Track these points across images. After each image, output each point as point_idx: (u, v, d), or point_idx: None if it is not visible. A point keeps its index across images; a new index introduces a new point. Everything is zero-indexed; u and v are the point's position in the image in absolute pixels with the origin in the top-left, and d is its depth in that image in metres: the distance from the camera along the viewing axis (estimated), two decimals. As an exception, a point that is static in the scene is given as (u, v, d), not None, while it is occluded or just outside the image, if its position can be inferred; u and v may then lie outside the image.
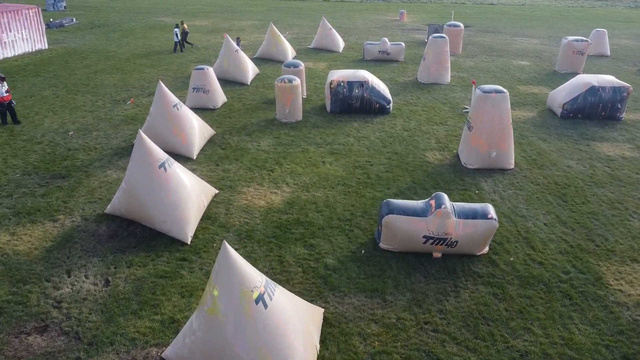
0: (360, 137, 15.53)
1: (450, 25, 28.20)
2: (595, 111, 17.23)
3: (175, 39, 27.34)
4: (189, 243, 9.58)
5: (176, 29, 27.25)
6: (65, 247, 9.36)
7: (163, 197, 9.55)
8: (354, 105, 17.59)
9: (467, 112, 17.80)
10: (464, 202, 11.41)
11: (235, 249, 9.34)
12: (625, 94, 16.97)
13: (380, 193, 11.85)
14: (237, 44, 24.59)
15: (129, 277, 8.60)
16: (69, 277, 8.56)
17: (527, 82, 22.55)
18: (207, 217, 10.61)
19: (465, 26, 39.21)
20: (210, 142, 14.78)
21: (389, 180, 12.56)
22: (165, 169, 9.75)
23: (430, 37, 21.67)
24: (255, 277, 6.27)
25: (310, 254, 9.48)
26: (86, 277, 8.58)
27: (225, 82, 21.22)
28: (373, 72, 22.98)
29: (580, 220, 10.81)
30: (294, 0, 56.54)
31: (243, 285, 6.07)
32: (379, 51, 26.28)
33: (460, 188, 12.20)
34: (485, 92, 12.82)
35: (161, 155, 9.89)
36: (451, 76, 23.10)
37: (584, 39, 23.75)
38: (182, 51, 27.70)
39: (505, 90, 12.82)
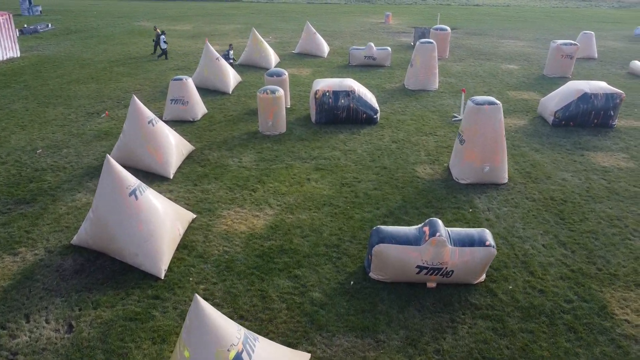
0: (347, 150, 14.85)
1: (437, 29, 27.69)
2: (588, 119, 16.76)
3: (163, 46, 26.45)
4: (162, 278, 8.81)
5: (162, 35, 26.34)
6: (24, 286, 8.53)
7: (134, 227, 8.76)
8: (340, 115, 16.92)
9: (457, 120, 17.23)
10: (458, 221, 10.81)
11: (214, 284, 8.62)
12: (618, 100, 16.52)
13: (370, 214, 11.18)
14: (229, 52, 23.94)
15: (95, 320, 7.81)
16: (28, 322, 7.74)
17: (517, 88, 22.08)
18: (184, 246, 9.84)
19: (452, 28, 38.80)
20: (189, 158, 13.99)
21: (378, 199, 11.89)
22: (136, 196, 8.97)
23: (418, 43, 21.08)
24: (232, 333, 5.54)
25: (295, 287, 8.76)
26: (47, 321, 7.77)
27: (205, 91, 20.43)
28: (359, 79, 22.40)
29: (579, 241, 10.24)
30: (277, 3, 55.77)
31: (218, 344, 5.34)
32: (365, 56, 25.66)
33: (453, 206, 11.57)
34: (477, 104, 12.22)
35: (132, 181, 9.10)
36: (439, 82, 22.55)
37: (573, 42, 23.37)
38: (166, 58, 26.81)
39: (498, 101, 12.23)
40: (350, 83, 17.03)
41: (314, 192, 12.17)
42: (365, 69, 25.28)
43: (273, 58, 25.49)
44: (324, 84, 17.13)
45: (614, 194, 12.29)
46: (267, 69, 24.59)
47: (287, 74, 18.48)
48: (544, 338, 7.73)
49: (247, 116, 17.75)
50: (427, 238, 8.38)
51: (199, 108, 17.51)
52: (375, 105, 17.24)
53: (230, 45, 24.72)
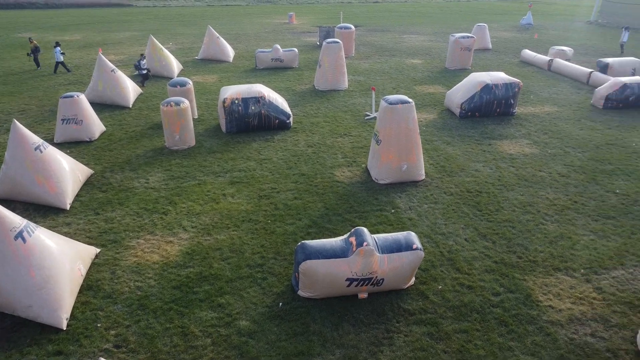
0: (262, 159, 14.25)
1: (341, 28, 27.78)
2: (491, 109, 17.45)
3: (57, 59, 23.99)
4: (64, 328, 7.71)
5: (57, 47, 23.91)
6: None
7: (24, 275, 7.59)
8: (252, 123, 16.26)
9: (370, 118, 17.23)
10: (382, 224, 10.63)
11: (126, 327, 7.71)
12: (516, 89, 17.34)
13: (292, 226, 10.68)
14: (141, 63, 21.94)
15: (-17, 392, 6.62)
16: None
17: (423, 82, 22.64)
18: (88, 287, 8.75)
19: (355, 26, 39.35)
20: (88, 184, 12.67)
21: (299, 209, 11.42)
22: (23, 238, 7.78)
23: (324, 43, 20.91)
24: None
25: (220, 318, 8.06)
26: None
27: (102, 107, 18.88)
28: (268, 82, 21.84)
29: (498, 231, 10.45)
30: (174, 7, 53.57)
31: None
32: (272, 59, 25.13)
33: (376, 209, 11.38)
34: (390, 103, 12.13)
35: (16, 222, 7.89)
36: (348, 81, 22.56)
37: (470, 35, 24.41)
38: (68, 71, 24.56)
39: (410, 100, 12.22)
40: (260, 89, 16.42)
41: (231, 209, 11.45)
42: (273, 71, 24.75)
43: (175, 66, 24.18)
44: (232, 91, 16.38)
45: (523, 180, 12.77)
46: (170, 78, 23.34)
47: (191, 83, 17.48)
48: (477, 336, 7.68)
49: (152, 131, 16.55)
50: (354, 249, 8.04)
51: (96, 126, 16.04)
52: (288, 109, 16.77)
53: (142, 55, 22.34)
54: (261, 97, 16.13)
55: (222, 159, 14.31)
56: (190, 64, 26.35)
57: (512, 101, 17.46)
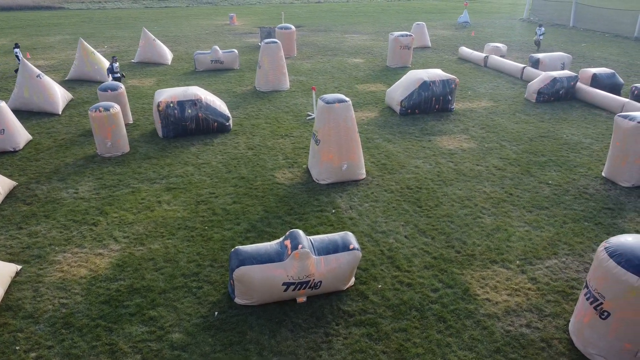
0: (200, 164, 13.80)
1: (281, 28, 27.53)
2: (430, 105, 17.70)
3: (18, 61, 22.70)
4: (-24, 356, 7.08)
5: (17, 49, 22.98)
6: None
7: None
8: (189, 127, 15.75)
9: (311, 118, 17.09)
10: (322, 225, 10.48)
11: (49, 348, 7.18)
12: (453, 85, 17.67)
13: (230, 232, 10.34)
14: (114, 66, 19.65)
15: None
16: None
17: (364, 80, 22.74)
18: (7, 307, 8.11)
19: (297, 26, 39.27)
20: (10, 197, 11.84)
21: (237, 213, 11.09)
22: None
23: (263, 43, 20.61)
24: None
25: (151, 332, 7.64)
26: None
27: (29, 114, 17.84)
28: (208, 85, 21.32)
29: (437, 226, 10.52)
30: (110, 9, 51.63)
31: None
32: (212, 60, 24.56)
33: (316, 210, 11.22)
34: (328, 102, 12.00)
35: None
36: (290, 81, 22.36)
37: (408, 33, 24.76)
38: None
39: (347, 98, 12.14)
40: (196, 91, 15.93)
41: (166, 216, 10.98)
42: (214, 73, 24.19)
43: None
44: (167, 94, 15.81)
45: (461, 174, 12.97)
46: (103, 83, 22.34)
47: (123, 87, 16.75)
48: (416, 334, 7.64)
49: (83, 138, 15.72)
50: (289, 252, 7.83)
51: (20, 135, 15.05)
52: (226, 111, 16.36)
53: (114, 57, 19.96)
54: (197, 99, 15.65)
55: (158, 164, 13.75)
56: (127, 68, 25.34)
57: (449, 97, 17.79)
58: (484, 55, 25.17)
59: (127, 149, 14.70)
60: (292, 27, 27.80)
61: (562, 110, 18.19)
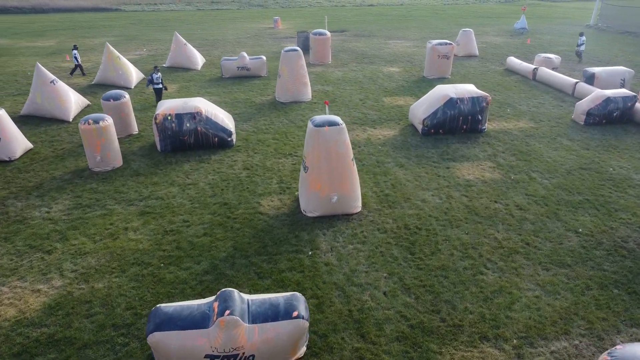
0: (187, 184, 12.73)
1: (315, 34, 26.21)
2: (456, 125, 15.77)
3: (76, 62, 23.96)
4: None
5: (75, 51, 23.69)
6: None
7: None
8: (188, 141, 14.77)
9: None
10: (292, 270, 9.06)
11: None
12: (484, 104, 15.64)
13: (186, 272, 9.13)
14: (154, 77, 18.69)
15: None
16: None
17: (394, 92, 20.99)
18: None
19: (340, 31, 37.90)
20: (-21, 214, 11.24)
21: (204, 248, 9.87)
22: None
23: (283, 51, 19.38)
24: None
25: (52, 400, 6.51)
26: None
27: (40, 120, 17.60)
28: (229, 92, 20.47)
29: (426, 282, 8.80)
30: (163, 11, 52.42)
31: None
32: (238, 67, 23.64)
33: (292, 250, 9.80)
34: (316, 125, 10.54)
35: None
36: (315, 91, 21.02)
37: (448, 42, 22.70)
38: (83, 74, 24.30)
39: (340, 121, 10.62)
40: (197, 103, 14.92)
41: (126, 248, 9.94)
42: (238, 80, 23.26)
43: (134, 75, 22.78)
44: (167, 106, 14.91)
45: (473, 214, 11.09)
46: (128, 89, 22.00)
47: (127, 96, 16.03)
48: None
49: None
50: (215, 318, 6.46)
51: (18, 144, 14.64)
52: (230, 126, 15.24)
53: (156, 67, 18.95)
54: (197, 112, 14.63)
55: (143, 183, 12.82)
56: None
57: (479, 117, 15.77)
58: (532, 67, 22.66)
59: (119, 163, 13.90)
60: (328, 33, 26.40)
61: (613, 136, 15.68)
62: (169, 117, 14.48)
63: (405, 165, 13.74)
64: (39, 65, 17.87)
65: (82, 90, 21.59)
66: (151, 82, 18.89)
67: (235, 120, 17.50)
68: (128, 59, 27.58)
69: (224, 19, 45.26)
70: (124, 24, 42.83)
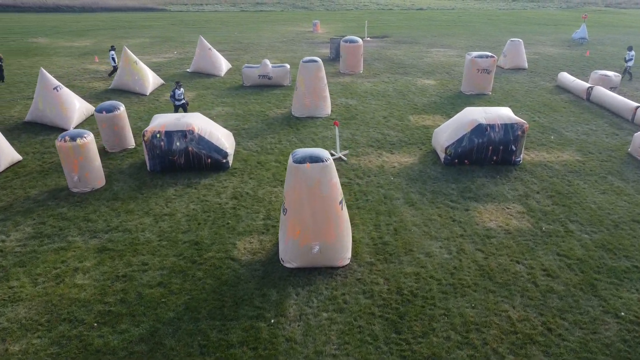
0: (163, 214, 11.30)
1: (346, 41, 24.37)
2: (485, 155, 13.56)
3: (113, 63, 23.46)
4: None
5: (112, 52, 23.26)
6: None
7: None
8: (178, 161, 13.38)
9: (334, 158, 13.98)
10: (242, 345, 7.34)
11: None
12: (519, 132, 13.36)
13: (119, 337, 7.64)
14: (176, 93, 17.00)
15: None
16: None
17: (423, 110, 18.86)
18: None
19: (381, 37, 35.84)
20: None
21: (151, 304, 8.35)
22: None
23: (301, 62, 17.71)
24: None
25: None
26: None
27: (42, 128, 16.81)
28: (245, 103, 19.13)
29: (410, 376, 6.85)
30: (207, 12, 52.03)
31: None
32: (259, 75, 22.20)
33: (252, 315, 8.11)
34: (296, 161, 8.80)
35: None
36: (336, 105, 19.26)
37: (489, 54, 20.30)
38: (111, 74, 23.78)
39: (327, 157, 8.84)
40: (190, 120, 13.51)
41: (66, 295, 8.57)
42: (259, 90, 21.80)
43: (151, 81, 21.79)
44: (159, 121, 13.60)
45: (487, 277, 8.99)
46: (144, 94, 21.04)
47: (122, 107, 14.88)
48: None
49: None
50: None
51: (3, 156, 13.73)
52: (226, 146, 13.73)
53: (178, 83, 17.21)
54: (189, 130, 13.22)
55: (117, 210, 11.50)
56: (178, 77, 23.90)
57: (513, 147, 13.48)
58: (587, 85, 19.88)
59: (99, 183, 12.69)
60: (359, 40, 24.49)
61: (679, 178, 12.99)
62: (158, 135, 13.14)
63: (416, 204, 11.73)
64: (43, 70, 17.08)
65: (97, 96, 20.82)
66: (173, 97, 17.28)
67: (240, 137, 16.03)
68: (155, 62, 26.85)
69: (264, 22, 44.15)
70: (165, 24, 42.55)
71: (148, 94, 21.18)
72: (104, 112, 14.49)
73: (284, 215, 9.29)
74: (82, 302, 8.40)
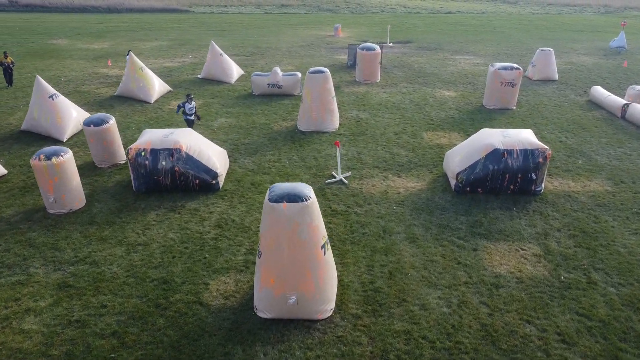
0: (137, 244, 10.35)
1: (362, 49, 23.09)
2: (500, 184, 12.15)
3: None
4: None
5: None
6: None
7: None
8: (163, 182, 12.43)
9: (333, 182, 12.87)
10: None
11: None
12: (540, 159, 11.89)
13: (52, 403, 6.62)
14: (186, 106, 15.49)
15: None
16: None
17: (439, 126, 17.47)
18: None
19: (405, 42, 34.39)
20: None
21: (97, 360, 7.34)
22: None
23: (307, 73, 16.57)
24: None
25: None
26: None
27: (36, 138, 16.23)
28: (250, 114, 18.20)
29: None
30: (231, 14, 51.44)
31: None
32: (269, 84, 21.16)
33: (208, 380, 6.99)
34: (272, 199, 7.66)
35: None
36: (347, 118, 18.08)
37: (515, 66, 18.73)
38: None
39: (308, 195, 7.69)
40: (179, 138, 12.55)
41: (6, 345, 7.70)
42: (267, 99, 20.77)
43: (157, 87, 21.01)
44: (146, 138, 12.70)
45: (489, 342, 7.67)
46: (148, 102, 20.29)
47: (112, 120, 14.07)
48: None
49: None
50: None
51: (-14, 171, 13.08)
52: (217, 166, 12.71)
53: (189, 96, 15.70)
54: (176, 149, 12.26)
55: (90, 237, 10.62)
56: (186, 84, 23.13)
57: (533, 175, 12.01)
58: (623, 102, 18.10)
59: (77, 205, 11.86)
60: (377, 47, 23.18)
61: None
62: (143, 153, 12.22)
63: (418, 240, 10.44)
64: (39, 78, 16.49)
65: (101, 103, 20.19)
66: (183, 111, 15.67)
67: (239, 152, 15.05)
68: (167, 67, 26.14)
69: (286, 25, 43.17)
70: (186, 26, 42.04)
71: (153, 102, 20.41)
72: (91, 125, 13.69)
73: (259, 258, 8.17)
74: (23, 354, 7.46)
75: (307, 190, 7.83)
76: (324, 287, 8.14)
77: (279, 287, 7.94)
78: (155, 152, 12.26)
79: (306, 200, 7.65)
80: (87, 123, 13.75)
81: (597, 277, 9.20)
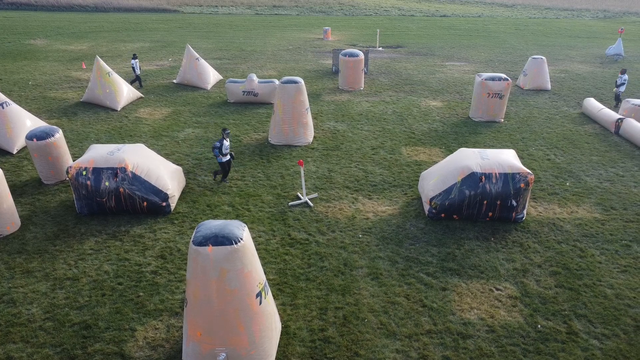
0: (65, 278, 9.21)
1: (345, 55, 21.97)
2: (478, 211, 11.03)
3: (136, 72, 21.79)
4: None
5: (134, 61, 21.72)
6: None
7: None
8: (107, 204, 11.28)
9: (296, 204, 11.75)
10: None
11: None
12: (521, 184, 10.76)
13: None
14: (223, 144, 12.33)
15: None
16: None
17: (420, 140, 16.35)
18: None
19: (395, 47, 33.33)
20: None
21: None
22: None
23: (279, 83, 15.45)
24: None
25: None
26: None
27: (-15, 149, 14.99)
28: (222, 123, 17.21)
29: None
30: (221, 15, 50.29)
31: None
32: (244, 92, 20.04)
33: None
34: (196, 242, 6.53)
35: None
36: (322, 130, 16.98)
37: (503, 76, 17.62)
38: (141, 86, 22.12)
39: (240, 236, 6.58)
40: (125, 155, 11.40)
41: None
42: (242, 108, 19.65)
43: (125, 94, 19.86)
44: (90, 154, 11.56)
45: (448, 413, 6.51)
46: (115, 110, 19.15)
47: (60, 133, 12.94)
48: None
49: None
50: None
51: None
52: (167, 187, 11.57)
53: (225, 131, 12.60)
54: (121, 168, 11.11)
55: (14, 269, 9.48)
56: (159, 90, 21.99)
57: (513, 202, 10.89)
58: (617, 116, 17.00)
59: (9, 229, 10.73)
60: (360, 53, 22.07)
61: None
62: (84, 172, 11.07)
63: (382, 277, 9.31)
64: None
65: (65, 110, 19.06)
66: (219, 150, 12.45)
67: (200, 168, 13.97)
68: (144, 71, 24.97)
69: (276, 26, 42.04)
70: (172, 27, 40.90)
71: (119, 109, 19.26)
72: (34, 139, 12.55)
73: (185, 307, 7.03)
74: None
75: (239, 230, 6.71)
76: (260, 342, 7.01)
77: (207, 342, 6.81)
78: (97, 172, 11.12)
79: (236, 243, 6.53)
80: (29, 137, 12.61)
81: (579, 327, 8.08)
